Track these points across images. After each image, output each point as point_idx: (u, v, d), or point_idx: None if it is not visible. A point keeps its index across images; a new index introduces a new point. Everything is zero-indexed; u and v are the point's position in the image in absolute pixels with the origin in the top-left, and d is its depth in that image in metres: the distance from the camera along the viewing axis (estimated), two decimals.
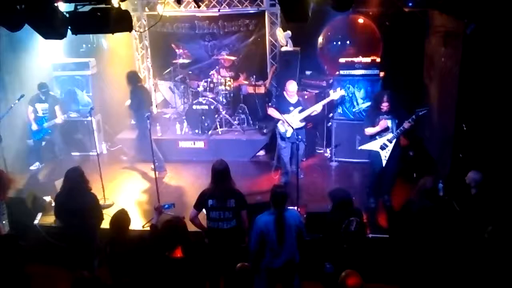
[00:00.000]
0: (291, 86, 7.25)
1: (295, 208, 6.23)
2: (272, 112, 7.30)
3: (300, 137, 6.76)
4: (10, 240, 4.48)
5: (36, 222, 6.44)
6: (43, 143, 8.48)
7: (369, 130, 6.57)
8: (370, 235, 5.87)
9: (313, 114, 7.36)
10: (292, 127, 7.01)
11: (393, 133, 6.44)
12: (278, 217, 4.65)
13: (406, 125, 6.25)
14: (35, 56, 8.56)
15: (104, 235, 5.21)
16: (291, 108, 7.22)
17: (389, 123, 6.46)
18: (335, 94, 7.54)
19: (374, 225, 6.27)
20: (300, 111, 7.23)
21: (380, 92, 6.85)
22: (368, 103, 8.04)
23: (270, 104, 7.65)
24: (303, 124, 7.29)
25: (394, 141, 6.44)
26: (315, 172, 8.22)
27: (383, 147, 6.48)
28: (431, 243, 4.72)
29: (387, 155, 6.49)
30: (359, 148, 6.93)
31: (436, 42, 7.99)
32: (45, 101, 8.26)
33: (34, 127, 8.20)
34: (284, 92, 7.36)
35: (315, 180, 7.87)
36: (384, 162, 6.52)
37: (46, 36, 5.38)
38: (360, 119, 7.90)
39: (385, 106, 6.39)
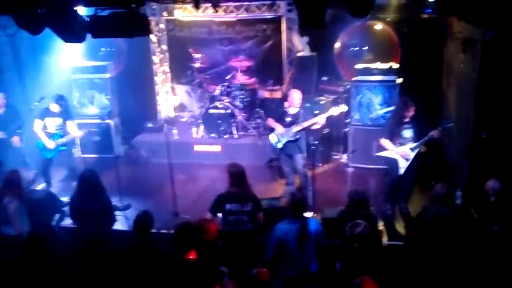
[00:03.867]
0: (294, 95, 6.83)
1: (312, 214, 6.21)
2: (269, 121, 7.08)
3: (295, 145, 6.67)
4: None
5: (54, 223, 6.52)
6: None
7: (386, 144, 6.48)
8: (387, 242, 5.81)
9: (314, 127, 6.81)
10: (284, 138, 6.84)
11: (414, 142, 6.37)
12: (302, 227, 4.60)
13: (432, 134, 6.17)
14: (55, 59, 8.71)
15: (126, 237, 5.30)
16: (287, 119, 6.85)
17: (409, 132, 6.40)
18: (336, 110, 6.78)
19: (391, 232, 6.21)
20: (295, 125, 6.79)
21: (405, 101, 6.54)
22: (386, 109, 8.01)
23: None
24: (296, 137, 6.81)
25: (416, 150, 6.38)
26: (331, 178, 8.19)
27: (402, 155, 6.41)
28: (447, 250, 4.67)
29: (407, 163, 6.43)
30: (377, 154, 6.86)
31: (454, 48, 7.91)
32: (58, 115, 7.48)
33: (51, 144, 7.42)
34: (288, 102, 6.97)
35: (330, 185, 7.84)
36: (402, 170, 6.46)
37: (66, 39, 5.48)
38: (377, 125, 7.86)
39: (410, 113, 6.31)
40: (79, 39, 5.44)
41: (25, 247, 4.52)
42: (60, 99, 7.49)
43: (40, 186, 7.73)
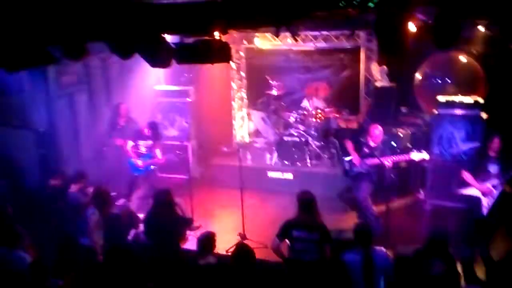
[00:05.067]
0: (374, 131, 6.89)
1: (382, 248, 5.99)
2: (348, 144, 7.07)
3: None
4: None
5: (130, 238, 6.77)
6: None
7: (469, 179, 6.18)
8: (465, 286, 5.46)
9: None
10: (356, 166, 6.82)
11: (498, 179, 6.01)
12: (366, 257, 4.50)
13: None
14: (141, 82, 9.22)
15: (189, 256, 5.41)
16: (365, 150, 6.89)
17: (494, 168, 6.07)
18: (417, 155, 6.68)
19: (470, 277, 5.83)
20: (372, 158, 6.80)
21: (490, 135, 6.35)
22: (469, 145, 7.62)
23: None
24: (369, 170, 6.87)
25: (500, 188, 6.02)
26: (407, 214, 7.87)
27: (485, 194, 6.06)
28: None
29: (490, 202, 6.06)
30: (458, 192, 6.51)
31: None
32: (149, 138, 8.01)
33: (140, 163, 7.94)
34: (368, 135, 7.00)
35: (405, 222, 7.53)
36: (485, 210, 6.09)
37: (153, 64, 5.80)
38: (459, 160, 7.47)
39: (495, 148, 6.00)
40: (165, 64, 5.75)
41: (105, 260, 4.75)
42: (152, 124, 8.03)
43: (119, 201, 8.01)
